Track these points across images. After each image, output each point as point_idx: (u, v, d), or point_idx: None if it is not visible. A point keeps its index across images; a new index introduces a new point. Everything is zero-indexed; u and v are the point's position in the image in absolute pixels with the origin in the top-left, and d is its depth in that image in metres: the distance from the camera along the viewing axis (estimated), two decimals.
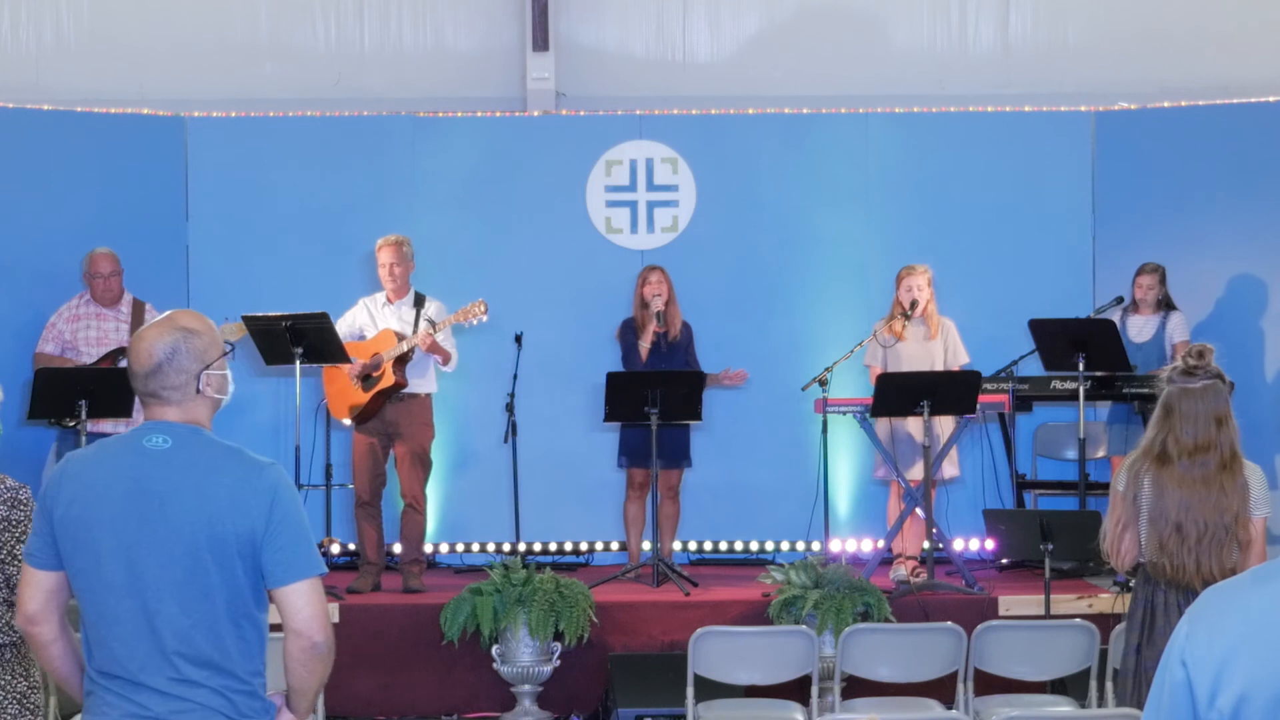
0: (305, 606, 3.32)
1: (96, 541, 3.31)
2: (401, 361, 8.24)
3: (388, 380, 8.22)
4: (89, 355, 8.64)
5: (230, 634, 3.32)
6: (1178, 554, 4.84)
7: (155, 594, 3.28)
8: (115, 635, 3.30)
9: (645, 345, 8.65)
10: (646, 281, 8.73)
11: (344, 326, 8.36)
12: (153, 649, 3.28)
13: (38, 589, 3.39)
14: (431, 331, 8.15)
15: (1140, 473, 4.91)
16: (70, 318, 8.75)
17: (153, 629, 3.28)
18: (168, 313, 3.50)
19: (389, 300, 8.43)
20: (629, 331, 8.78)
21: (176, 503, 3.29)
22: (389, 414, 8.30)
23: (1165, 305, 9.01)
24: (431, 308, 8.39)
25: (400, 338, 8.24)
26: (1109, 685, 6.24)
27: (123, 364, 8.54)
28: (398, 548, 8.65)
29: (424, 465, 8.41)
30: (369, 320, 8.41)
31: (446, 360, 8.30)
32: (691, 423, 8.57)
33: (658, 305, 8.64)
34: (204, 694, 3.29)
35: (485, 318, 8.21)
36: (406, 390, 8.28)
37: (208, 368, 3.38)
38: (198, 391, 3.38)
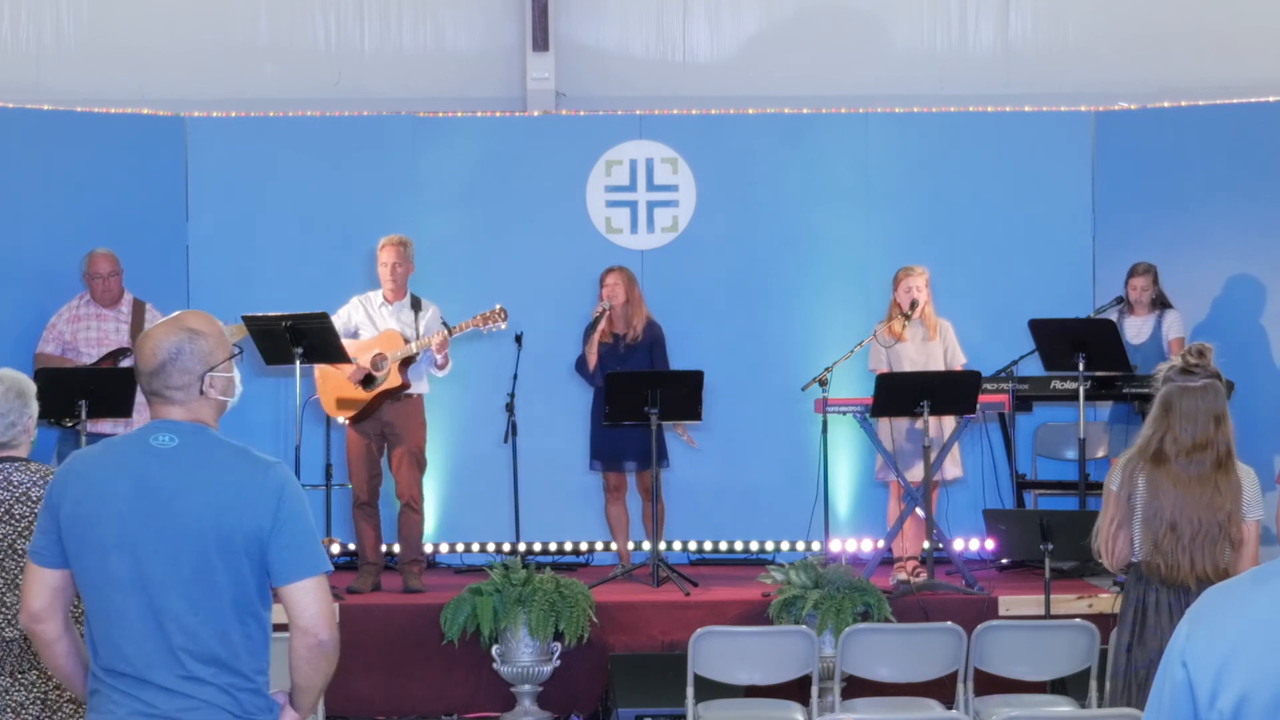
0: (312, 604, 3.34)
1: (103, 539, 3.32)
2: (406, 362, 8.24)
3: (393, 381, 8.21)
4: (89, 356, 8.64)
5: (237, 631, 3.33)
6: (1172, 553, 4.84)
7: (162, 591, 3.29)
8: (122, 632, 3.31)
9: (591, 350, 8.56)
10: (603, 283, 8.70)
11: (337, 324, 8.32)
12: (160, 646, 3.29)
13: (43, 587, 3.40)
14: (447, 335, 8.15)
15: (1135, 471, 4.91)
16: (70, 318, 8.75)
17: (160, 626, 3.29)
18: (177, 313, 3.52)
19: (386, 300, 8.42)
20: (587, 335, 8.75)
21: (183, 500, 3.31)
22: (386, 414, 8.29)
23: (1160, 304, 9.01)
24: (429, 311, 8.39)
25: (406, 339, 8.23)
26: (1109, 685, 6.24)
27: (124, 363, 8.55)
28: (395, 548, 8.64)
29: (420, 465, 8.41)
30: (365, 319, 8.39)
31: (445, 365, 8.28)
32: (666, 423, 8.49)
33: (599, 309, 8.59)
34: (211, 692, 3.30)
35: (504, 325, 8.20)
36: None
37: (212, 370, 3.39)
38: (201, 393, 3.39)
